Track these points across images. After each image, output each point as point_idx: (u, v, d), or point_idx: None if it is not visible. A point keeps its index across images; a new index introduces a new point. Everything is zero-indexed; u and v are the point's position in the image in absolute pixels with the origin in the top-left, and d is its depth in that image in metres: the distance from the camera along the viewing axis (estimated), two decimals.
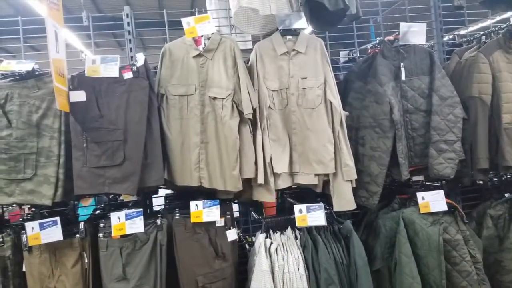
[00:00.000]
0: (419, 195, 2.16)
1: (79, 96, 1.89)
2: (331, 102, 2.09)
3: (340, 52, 2.84)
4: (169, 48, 2.09)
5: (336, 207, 2.08)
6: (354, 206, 2.08)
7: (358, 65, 2.39)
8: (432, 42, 2.79)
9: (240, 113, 2.02)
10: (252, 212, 2.44)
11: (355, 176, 2.07)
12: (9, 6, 6.62)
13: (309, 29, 2.45)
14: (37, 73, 1.94)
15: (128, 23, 2.31)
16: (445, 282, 2.03)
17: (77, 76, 1.94)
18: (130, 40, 2.31)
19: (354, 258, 2.02)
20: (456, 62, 2.47)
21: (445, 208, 2.15)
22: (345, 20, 2.30)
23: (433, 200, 2.15)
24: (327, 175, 2.11)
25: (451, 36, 3.08)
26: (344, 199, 2.07)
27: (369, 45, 2.55)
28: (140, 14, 2.25)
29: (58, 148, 1.88)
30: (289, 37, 2.16)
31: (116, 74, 1.95)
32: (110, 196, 2.37)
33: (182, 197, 2.39)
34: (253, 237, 2.42)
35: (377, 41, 2.39)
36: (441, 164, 2.18)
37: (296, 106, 2.11)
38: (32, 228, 1.88)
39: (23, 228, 1.97)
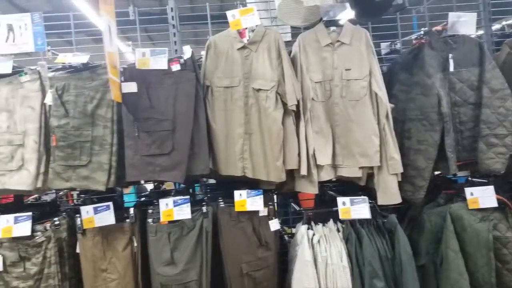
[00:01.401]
0: (468, 190, 2.09)
1: (131, 87, 1.97)
2: (376, 94, 2.06)
3: (381, 43, 2.78)
4: (214, 41, 2.13)
5: (381, 201, 2.06)
6: (399, 200, 2.05)
7: (403, 56, 2.34)
8: (480, 32, 2.68)
9: (284, 104, 2.03)
10: (292, 204, 2.46)
11: (401, 170, 2.04)
12: (46, 3, 6.94)
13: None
14: (90, 65, 2.03)
15: (172, 17, 2.37)
16: (495, 280, 1.97)
17: (128, 68, 2.02)
18: (174, 34, 2.38)
19: (399, 252, 1.99)
20: (506, 53, 2.36)
21: (495, 204, 2.07)
22: (390, 11, 2.25)
23: (483, 196, 2.08)
24: (371, 168, 2.08)
25: (499, 26, 2.94)
26: (389, 193, 2.04)
27: (413, 36, 2.49)
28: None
29: (111, 136, 1.98)
30: (333, 28, 2.15)
31: (165, 67, 2.01)
32: (154, 185, 2.47)
33: (221, 187, 2.45)
34: (292, 229, 2.44)
35: (422, 32, 2.32)
36: (491, 158, 2.10)
37: (340, 97, 2.10)
38: (87, 212, 1.99)
39: (77, 212, 2.10)
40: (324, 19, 2.12)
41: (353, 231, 2.03)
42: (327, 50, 2.13)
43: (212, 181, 2.73)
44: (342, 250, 1.99)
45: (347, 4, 2.11)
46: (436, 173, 2.32)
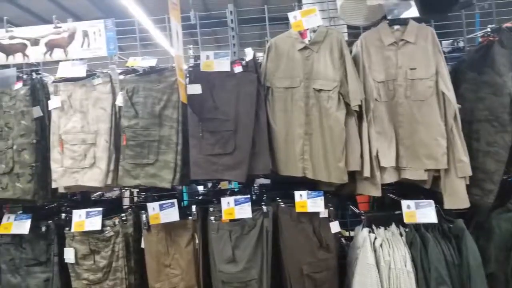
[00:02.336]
0: None
1: (196, 89, 2.03)
2: (444, 94, 1.99)
3: (443, 41, 2.68)
4: (275, 42, 2.15)
5: (448, 205, 1.98)
6: (467, 204, 1.96)
7: (469, 54, 2.23)
8: None
9: (347, 105, 2.01)
10: (351, 206, 2.42)
11: (470, 173, 1.95)
12: (97, 10, 7.29)
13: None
14: (157, 68, 2.12)
15: (231, 20, 2.42)
16: None
17: (193, 71, 2.08)
18: (233, 37, 2.42)
19: (467, 259, 1.90)
20: None
21: None
22: (456, 8, 2.17)
23: None
24: (437, 170, 2.01)
25: None
26: (457, 197, 1.96)
27: (479, 33, 2.37)
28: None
29: (176, 136, 2.04)
30: (397, 26, 2.09)
31: (228, 68, 2.06)
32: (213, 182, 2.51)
33: (277, 187, 2.46)
34: (350, 232, 2.40)
35: (489, 29, 2.21)
36: None
37: (404, 98, 2.05)
38: (153, 209, 2.07)
39: (141, 209, 2.19)
40: (388, 17, 2.08)
41: (417, 235, 1.97)
42: (390, 49, 2.08)
43: (263, 180, 2.75)
44: (406, 255, 1.93)
45: (412, 2, 2.06)
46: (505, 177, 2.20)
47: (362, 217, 2.15)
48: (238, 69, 2.07)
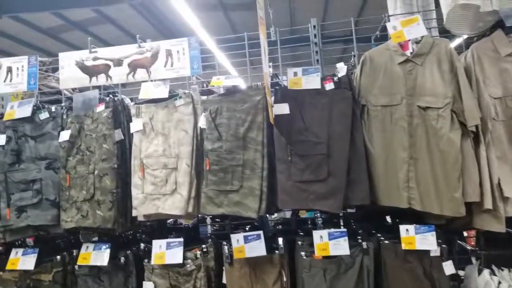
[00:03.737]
0: None
1: (283, 109, 1.86)
2: None
3: None
4: (370, 56, 1.94)
5: None
6: None
7: None
8: None
9: (462, 125, 1.74)
10: (458, 241, 2.09)
11: None
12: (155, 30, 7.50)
13: None
14: (240, 87, 1.98)
15: (315, 35, 2.25)
16: None
17: (280, 89, 1.92)
18: (316, 52, 2.24)
19: None
20: None
21: None
22: None
23: None
24: None
25: None
26: None
27: None
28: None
29: (261, 160, 1.86)
30: None
31: (318, 86, 1.88)
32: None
33: (366, 217, 2.19)
34: (459, 271, 2.06)
35: None
36: None
37: None
38: (237, 241, 1.88)
39: (219, 238, 2.02)
40: (507, 24, 1.80)
41: None
42: (508, 61, 1.79)
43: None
44: None
45: None
46: None
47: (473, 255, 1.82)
48: (329, 86, 1.88)
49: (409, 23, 1.85)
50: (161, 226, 2.29)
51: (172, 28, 6.87)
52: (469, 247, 1.97)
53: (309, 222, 2.38)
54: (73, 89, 2.52)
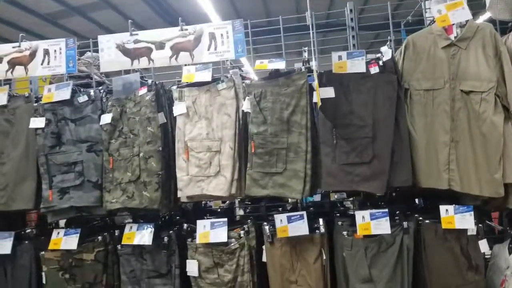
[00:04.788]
0: None
1: (328, 92, 1.88)
2: None
3: None
4: (413, 40, 1.95)
5: None
6: None
7: None
8: None
9: (505, 108, 1.78)
10: (486, 221, 2.17)
11: None
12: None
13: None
14: (285, 71, 1.98)
15: (351, 19, 2.24)
16: None
17: (325, 73, 1.93)
18: (353, 37, 2.24)
19: None
20: None
21: None
22: None
23: None
24: None
25: None
26: None
27: None
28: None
29: (305, 144, 1.90)
30: None
31: (363, 69, 1.89)
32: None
33: (400, 199, 2.26)
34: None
35: None
36: None
37: None
38: (280, 221, 1.93)
39: (256, 219, 2.07)
40: None
41: None
42: None
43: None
44: None
45: None
46: None
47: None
48: (374, 69, 1.90)
49: (454, 7, 1.85)
50: (195, 209, 2.33)
51: (175, 15, 6.65)
52: (499, 227, 2.05)
53: (338, 205, 2.45)
54: (101, 73, 2.50)
